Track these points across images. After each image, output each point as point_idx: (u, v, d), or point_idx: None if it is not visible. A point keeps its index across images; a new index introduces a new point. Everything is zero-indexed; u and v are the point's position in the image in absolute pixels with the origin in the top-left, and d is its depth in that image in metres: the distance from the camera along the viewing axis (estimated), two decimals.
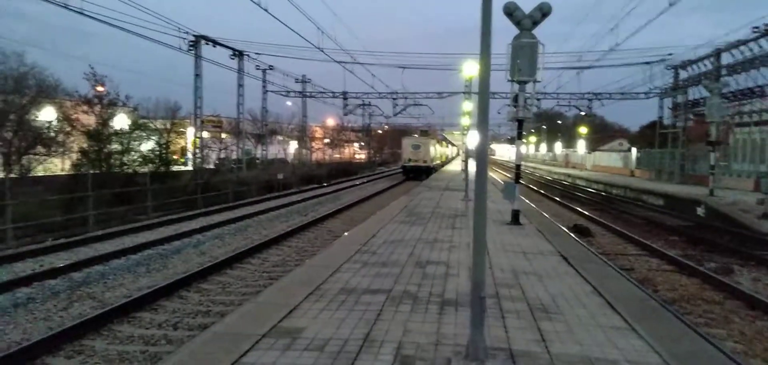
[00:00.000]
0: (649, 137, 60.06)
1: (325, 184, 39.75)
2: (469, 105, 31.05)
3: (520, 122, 13.67)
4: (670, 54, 37.53)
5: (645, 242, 16.10)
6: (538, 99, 41.59)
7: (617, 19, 24.51)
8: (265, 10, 19.18)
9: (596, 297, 6.93)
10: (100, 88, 25.42)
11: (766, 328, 8.27)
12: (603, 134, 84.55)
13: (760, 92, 31.25)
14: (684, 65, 38.96)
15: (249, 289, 10.42)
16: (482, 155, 4.54)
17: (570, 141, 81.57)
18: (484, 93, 4.49)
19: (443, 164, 60.26)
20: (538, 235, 12.41)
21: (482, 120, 4.53)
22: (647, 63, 38.29)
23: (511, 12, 13.11)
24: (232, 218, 19.32)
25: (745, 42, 31.52)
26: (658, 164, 40.84)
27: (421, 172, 44.32)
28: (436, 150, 52.75)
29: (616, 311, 6.32)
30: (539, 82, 13.19)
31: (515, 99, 13.56)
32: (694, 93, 38.49)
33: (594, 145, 73.47)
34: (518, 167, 14.00)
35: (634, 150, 51.29)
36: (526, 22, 12.89)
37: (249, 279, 11.23)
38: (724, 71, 34.27)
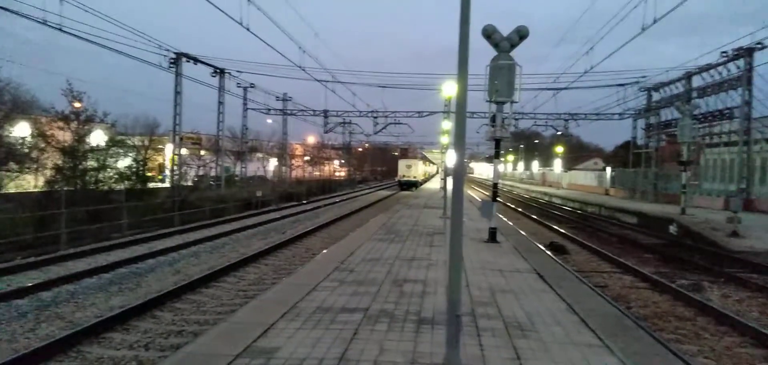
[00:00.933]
0: (623, 156, 61.23)
1: (305, 201, 39.50)
2: (448, 124, 31.38)
3: (498, 142, 13.80)
4: (643, 76, 38.47)
5: (619, 259, 16.27)
6: (516, 119, 42.12)
7: (592, 42, 25.00)
8: (247, 29, 19.12)
9: (571, 315, 6.97)
10: (77, 104, 24.97)
11: (735, 344, 8.39)
12: (579, 154, 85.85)
13: (729, 113, 32.13)
14: (656, 87, 39.93)
15: (224, 308, 10.22)
16: (459, 174, 4.54)
17: (547, 160, 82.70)
18: (460, 114, 4.52)
19: (426, 180, 73.19)
20: (514, 253, 12.48)
21: (459, 140, 4.55)
22: (621, 85, 39.15)
23: (489, 34, 13.31)
24: (209, 236, 19.04)
25: (714, 66, 32.49)
26: (632, 183, 41.60)
27: (412, 185, 58.84)
28: (422, 169, 67.77)
29: (590, 329, 6.35)
30: (517, 102, 13.37)
31: (493, 119, 13.72)
32: (667, 114, 39.44)
33: (570, 164, 74.53)
34: (495, 185, 14.11)
35: (608, 169, 52.18)
36: (504, 45, 13.09)
37: (224, 298, 11.02)
38: (694, 94, 35.21)
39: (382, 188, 70.12)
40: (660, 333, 8.59)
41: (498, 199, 14.56)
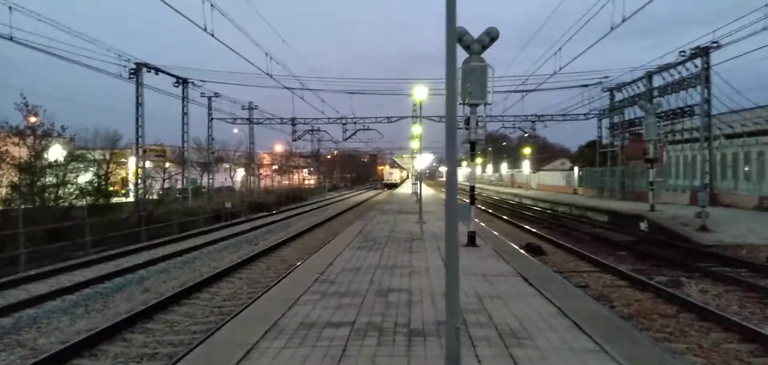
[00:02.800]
0: (588, 155, 62.36)
1: (275, 211, 38.78)
2: (418, 129, 31.37)
3: (473, 144, 13.68)
4: (606, 77, 39.21)
5: (596, 258, 16.37)
6: (485, 122, 42.41)
7: (559, 45, 25.31)
8: (211, 35, 18.56)
9: (563, 319, 6.82)
10: (32, 119, 23.88)
11: (721, 340, 8.41)
12: (546, 154, 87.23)
13: (690, 111, 33.01)
14: (619, 87, 40.79)
15: (199, 326, 9.76)
16: (452, 181, 4.30)
17: (515, 162, 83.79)
18: (451, 118, 4.29)
19: (402, 182, 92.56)
20: (495, 256, 12.35)
21: (451, 144, 4.32)
22: (585, 86, 39.84)
23: (460, 37, 13.17)
24: (178, 251, 18.37)
25: (673, 65, 33.36)
26: (600, 181, 42.34)
27: (393, 185, 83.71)
28: (399, 174, 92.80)
29: (584, 332, 6.20)
30: (490, 104, 13.28)
31: (467, 122, 13.60)
32: (630, 113, 40.31)
33: (537, 165, 75.60)
34: (473, 188, 13.97)
35: (576, 169, 53.03)
36: (475, 47, 13.00)
37: (199, 316, 10.54)
38: (655, 93, 36.07)
39: (354, 195, 69.79)
40: (647, 331, 8.57)
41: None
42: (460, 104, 13.55)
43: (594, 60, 36.55)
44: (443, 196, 52.71)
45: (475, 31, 13.29)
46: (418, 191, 26.95)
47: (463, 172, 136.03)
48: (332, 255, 12.39)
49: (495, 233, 19.16)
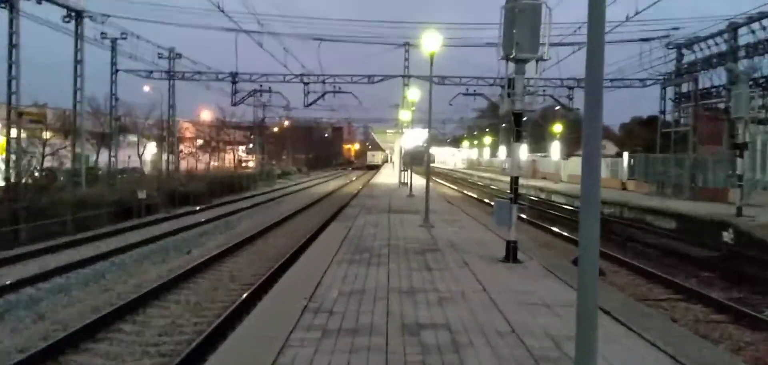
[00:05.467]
0: (641, 136, 62.96)
1: (198, 209, 37.85)
2: (416, 93, 30.99)
3: (518, 116, 13.41)
4: (676, 28, 39.37)
5: (673, 280, 16.42)
6: (538, 87, 41.14)
7: None
8: None
9: None
10: None
11: None
12: (577, 135, 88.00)
13: None
14: (689, 44, 41.11)
15: None
16: (592, 167, 3.95)
17: (537, 142, 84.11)
18: (597, 56, 3.95)
19: (384, 163, 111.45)
20: (548, 276, 12.22)
21: (593, 106, 3.97)
22: (646, 40, 39.87)
23: None
24: (78, 260, 17.78)
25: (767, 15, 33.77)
26: (661, 173, 42.67)
27: (375, 167, 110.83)
28: (381, 156, 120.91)
29: None
30: (547, 60, 13.01)
31: (510, 84, 13.31)
32: (705, 81, 40.73)
33: (569, 148, 75.99)
34: (516, 180, 13.71)
35: (625, 155, 53.44)
36: None
37: (127, 357, 10.10)
38: (741, 52, 36.48)
39: (314, 184, 69.19)
40: None
41: (507, 199, 14.14)
42: (501, 58, 13.32)
43: (655, 11, 36.31)
44: (444, 188, 52.81)
45: None
46: (410, 182, 26.64)
47: (451, 153, 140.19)
48: (317, 271, 12.04)
49: (528, 240, 19.07)
